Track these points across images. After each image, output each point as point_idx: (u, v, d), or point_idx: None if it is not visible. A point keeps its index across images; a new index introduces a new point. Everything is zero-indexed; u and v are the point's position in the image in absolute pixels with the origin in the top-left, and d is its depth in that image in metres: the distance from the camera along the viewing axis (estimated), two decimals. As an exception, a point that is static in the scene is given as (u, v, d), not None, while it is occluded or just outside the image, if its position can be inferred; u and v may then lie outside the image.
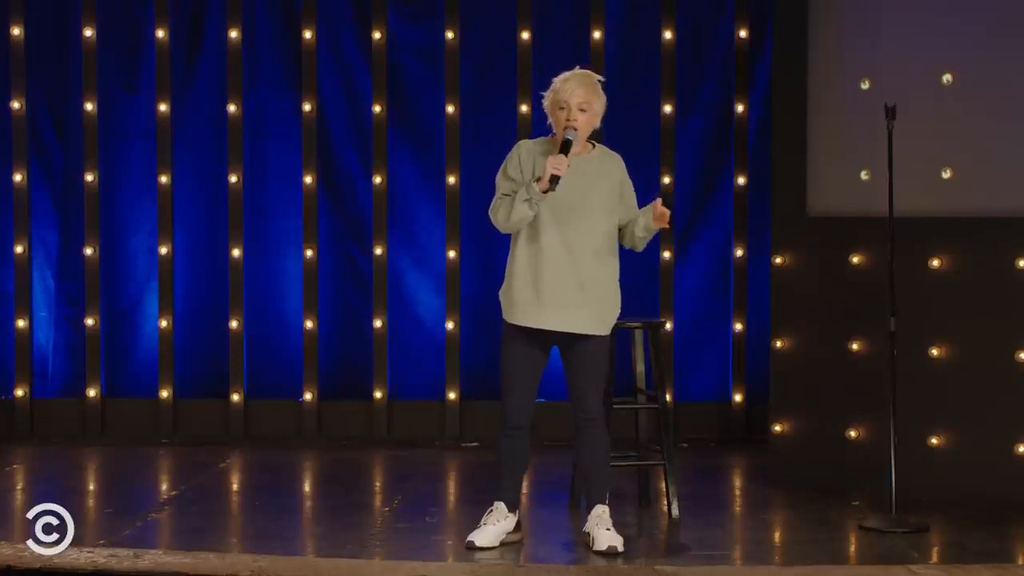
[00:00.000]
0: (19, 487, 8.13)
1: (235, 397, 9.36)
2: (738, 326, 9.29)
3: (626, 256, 9.38)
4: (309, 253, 9.33)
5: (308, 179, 9.33)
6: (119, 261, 9.49)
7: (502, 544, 6.54)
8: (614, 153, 6.60)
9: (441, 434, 9.33)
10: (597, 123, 6.47)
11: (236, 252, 9.34)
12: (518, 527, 6.65)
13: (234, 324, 9.34)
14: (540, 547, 6.73)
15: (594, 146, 6.57)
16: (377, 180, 9.32)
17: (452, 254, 9.30)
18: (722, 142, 9.37)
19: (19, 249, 9.34)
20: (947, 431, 7.59)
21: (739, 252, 9.28)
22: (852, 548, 6.78)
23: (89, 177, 9.34)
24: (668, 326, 9.19)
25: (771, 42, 8.26)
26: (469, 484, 8.17)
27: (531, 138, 6.71)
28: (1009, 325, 7.52)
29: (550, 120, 6.46)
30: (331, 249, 9.46)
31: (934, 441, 7.60)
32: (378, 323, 9.32)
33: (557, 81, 6.44)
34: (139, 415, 9.38)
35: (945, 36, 7.63)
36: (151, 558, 6.24)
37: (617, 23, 9.37)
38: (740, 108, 9.26)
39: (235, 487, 8.27)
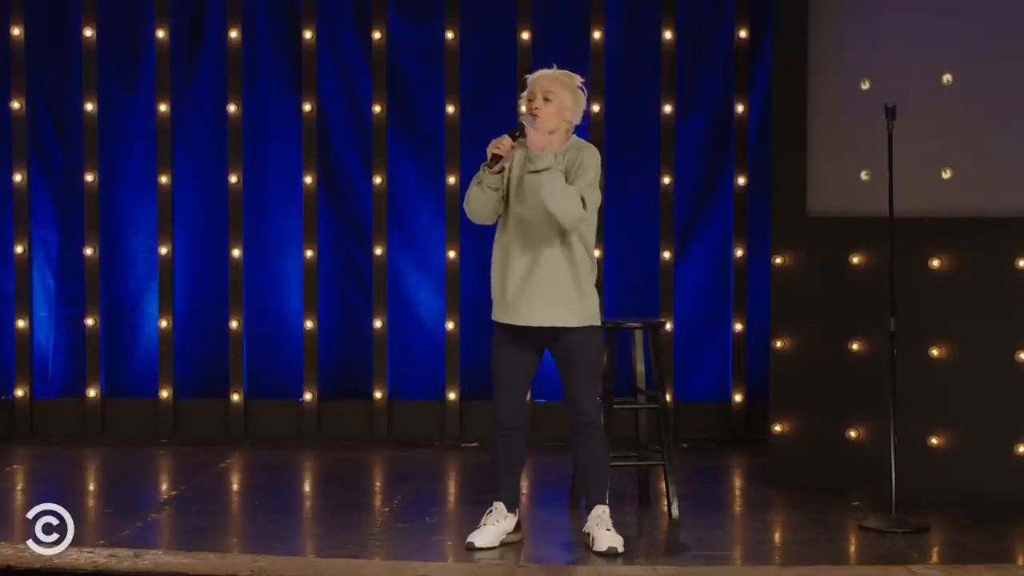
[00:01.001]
0: (19, 487, 8.13)
1: (235, 397, 9.36)
2: (738, 326, 9.29)
3: (626, 256, 9.40)
4: (309, 253, 9.33)
5: (308, 179, 9.33)
6: (119, 261, 9.49)
7: (502, 544, 6.54)
8: (589, 145, 6.51)
9: (441, 434, 9.32)
10: (569, 117, 6.42)
11: (236, 252, 9.34)
12: (518, 527, 6.65)
13: (234, 324, 9.34)
14: (540, 547, 6.73)
15: (576, 141, 6.52)
16: (377, 180, 9.32)
17: (452, 254, 9.29)
18: (722, 142, 9.36)
19: (19, 249, 9.34)
20: (947, 431, 7.59)
21: (739, 252, 9.28)
22: (852, 548, 6.78)
23: (89, 177, 9.34)
24: (668, 326, 9.18)
25: (771, 42, 8.26)
26: (469, 484, 8.17)
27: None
28: (1009, 325, 7.52)
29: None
30: (331, 249, 9.46)
31: (934, 441, 7.60)
32: (378, 323, 9.32)
33: (530, 77, 6.47)
34: (139, 415, 9.38)
35: (945, 36, 7.63)
36: (151, 558, 6.24)
37: (617, 23, 9.37)
38: (740, 108, 9.26)
39: (235, 487, 8.27)
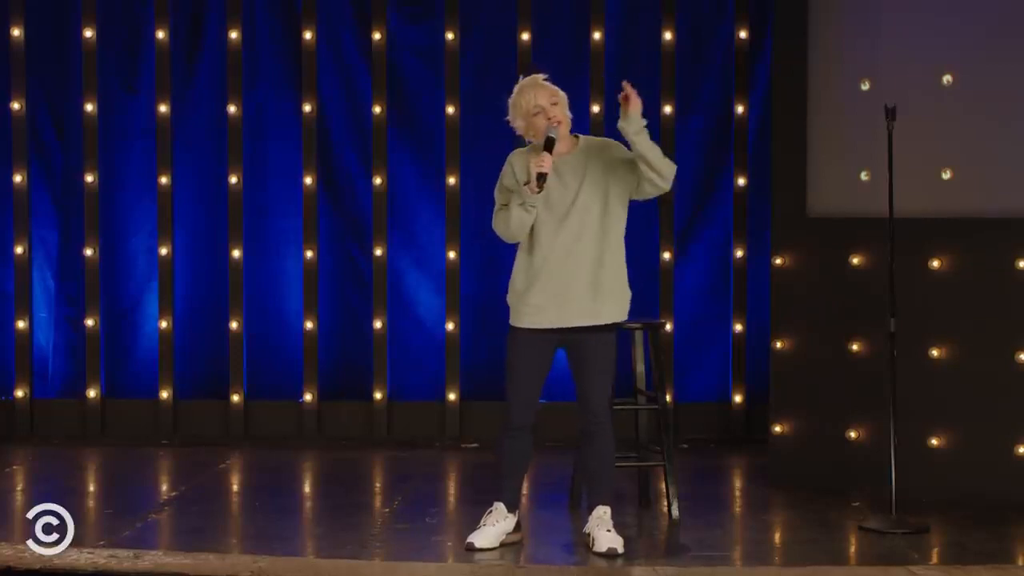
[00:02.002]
0: (19, 487, 8.13)
1: (235, 397, 9.36)
2: (738, 326, 9.29)
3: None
4: (309, 253, 9.33)
5: (308, 179, 9.33)
6: (119, 261, 9.49)
7: (502, 545, 6.54)
8: (600, 139, 6.59)
9: (441, 434, 9.32)
10: (568, 113, 6.50)
11: (236, 252, 9.34)
12: (518, 527, 6.65)
13: (234, 324, 9.34)
14: (540, 548, 6.73)
15: (578, 138, 6.56)
16: (377, 180, 9.32)
17: (452, 254, 9.29)
18: (722, 142, 9.37)
19: (19, 249, 9.34)
20: (947, 431, 7.59)
21: (739, 252, 9.28)
22: (852, 549, 6.78)
23: (89, 177, 9.34)
24: (668, 327, 9.18)
25: (771, 42, 8.26)
26: (469, 485, 8.17)
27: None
28: (1009, 325, 7.52)
29: (529, 135, 6.48)
30: (331, 249, 9.46)
31: (934, 441, 7.60)
32: (378, 323, 9.32)
33: (515, 98, 6.48)
34: (139, 415, 9.38)
35: (945, 36, 7.63)
36: (151, 559, 6.24)
37: (617, 23, 9.37)
38: (740, 108, 9.26)
39: (235, 488, 8.27)
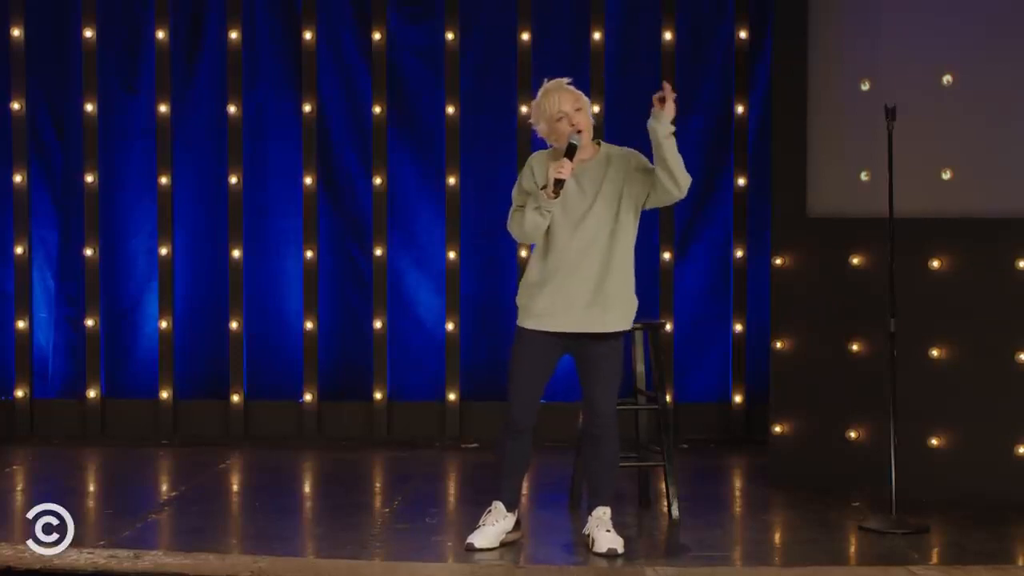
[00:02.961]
0: (19, 487, 8.13)
1: (235, 398, 9.36)
2: (738, 327, 9.29)
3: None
4: (309, 253, 9.33)
5: (308, 179, 9.33)
6: (119, 261, 9.49)
7: (502, 544, 6.54)
8: (621, 148, 6.59)
9: (441, 435, 9.32)
10: (592, 119, 6.51)
11: (236, 252, 9.34)
12: (517, 526, 6.65)
13: (234, 325, 9.34)
14: (540, 548, 6.73)
15: (599, 145, 6.58)
16: (377, 180, 9.32)
17: (452, 254, 9.29)
18: (722, 142, 9.36)
19: (19, 249, 9.34)
20: (947, 431, 7.59)
21: (739, 252, 9.28)
22: (852, 549, 6.78)
23: (89, 177, 9.34)
24: (668, 327, 9.18)
25: (771, 42, 8.26)
26: (469, 485, 8.17)
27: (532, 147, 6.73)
28: (1009, 325, 7.52)
29: (551, 139, 6.47)
30: (331, 249, 9.46)
31: (934, 441, 7.60)
32: (378, 324, 9.32)
33: (539, 101, 6.47)
34: (139, 415, 9.38)
35: (945, 36, 7.63)
36: (151, 559, 6.24)
37: (617, 23, 9.37)
38: (740, 108, 9.26)
39: (235, 488, 8.27)
